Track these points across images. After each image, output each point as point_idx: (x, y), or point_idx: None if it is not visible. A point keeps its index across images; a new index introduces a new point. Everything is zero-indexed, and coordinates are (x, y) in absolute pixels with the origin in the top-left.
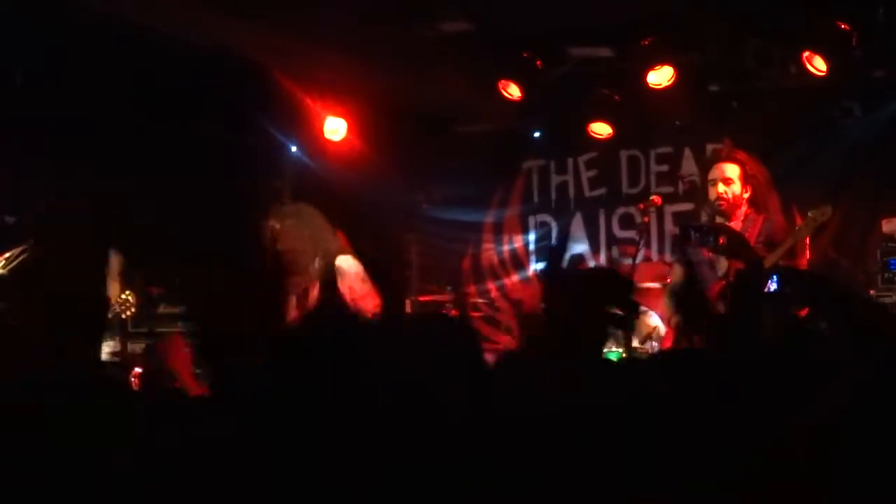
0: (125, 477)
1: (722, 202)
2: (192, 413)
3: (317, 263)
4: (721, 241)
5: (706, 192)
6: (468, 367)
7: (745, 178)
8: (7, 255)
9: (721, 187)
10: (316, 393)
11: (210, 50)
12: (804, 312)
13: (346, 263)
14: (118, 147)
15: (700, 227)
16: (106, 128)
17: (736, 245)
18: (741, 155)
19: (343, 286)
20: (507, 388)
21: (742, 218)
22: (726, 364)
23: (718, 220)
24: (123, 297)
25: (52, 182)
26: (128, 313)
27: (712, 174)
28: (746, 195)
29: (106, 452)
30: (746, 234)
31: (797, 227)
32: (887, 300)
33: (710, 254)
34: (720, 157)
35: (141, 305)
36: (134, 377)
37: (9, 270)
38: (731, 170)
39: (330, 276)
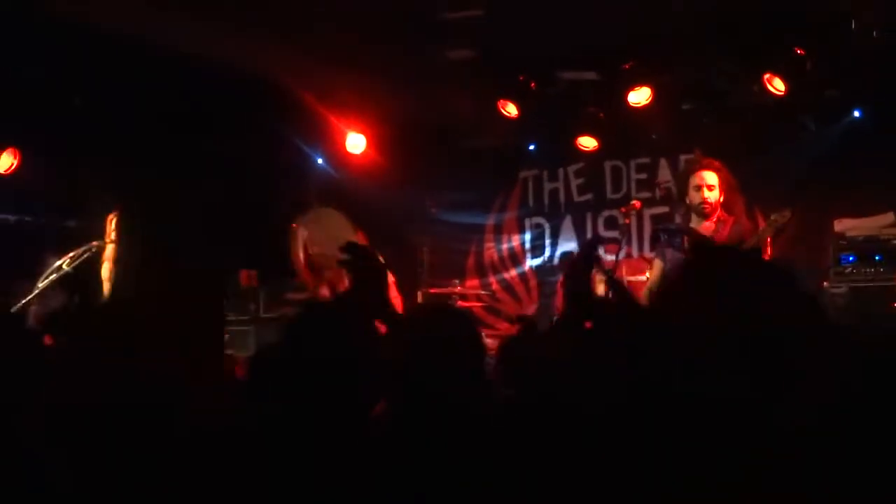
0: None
1: (706, 206)
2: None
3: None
4: (685, 242)
5: (685, 197)
6: (467, 350)
7: (722, 185)
8: (72, 253)
9: (705, 192)
10: (320, 384)
11: (248, 75)
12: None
13: None
14: (168, 161)
15: (668, 230)
16: (159, 144)
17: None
18: (718, 164)
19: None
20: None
21: (715, 220)
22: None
23: (696, 220)
24: None
25: (107, 191)
26: None
27: (695, 181)
28: (721, 200)
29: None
30: (718, 234)
31: (761, 229)
32: (837, 291)
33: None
34: (702, 166)
35: None
36: None
37: (73, 267)
38: (712, 177)
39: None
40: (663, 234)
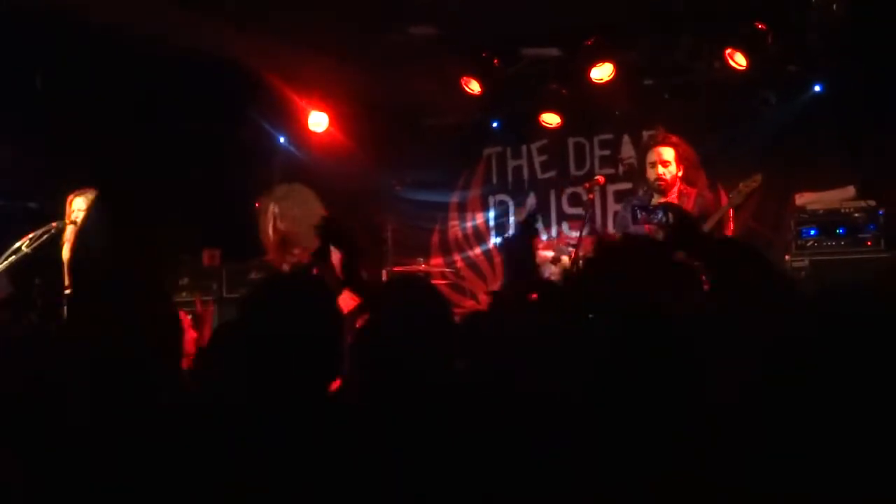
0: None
1: (661, 182)
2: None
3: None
4: (671, 217)
5: (644, 173)
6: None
7: (679, 160)
8: (31, 235)
9: (660, 168)
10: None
11: (210, 56)
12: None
13: None
14: (132, 141)
15: (646, 207)
16: (122, 124)
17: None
18: (675, 139)
19: (335, 258)
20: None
21: (677, 194)
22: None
23: (657, 197)
24: None
25: (70, 173)
26: None
27: (651, 157)
28: (680, 174)
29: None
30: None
31: (729, 197)
32: (799, 264)
33: (649, 228)
34: (657, 142)
35: None
36: None
37: (33, 248)
38: (668, 153)
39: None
40: (640, 211)
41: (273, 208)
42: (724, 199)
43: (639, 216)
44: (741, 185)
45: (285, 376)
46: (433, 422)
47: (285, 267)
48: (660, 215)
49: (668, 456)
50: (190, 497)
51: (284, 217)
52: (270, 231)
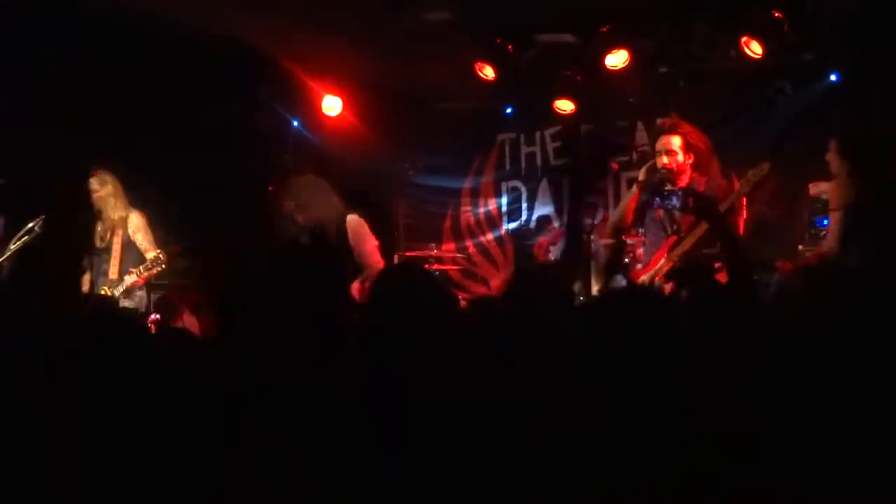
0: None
1: (666, 170)
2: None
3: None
4: (691, 202)
5: (656, 161)
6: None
7: (687, 147)
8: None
9: (665, 158)
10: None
11: (224, 39)
12: None
13: (354, 222)
14: (145, 124)
15: (661, 193)
16: (135, 107)
17: (704, 206)
18: (685, 127)
19: (353, 241)
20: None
21: (687, 182)
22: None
23: (668, 184)
24: (154, 254)
25: (85, 156)
26: (159, 269)
27: (658, 146)
28: (689, 161)
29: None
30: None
31: (740, 183)
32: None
33: (660, 214)
34: (664, 130)
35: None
36: (151, 323)
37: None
38: (674, 141)
39: (342, 234)
40: (655, 198)
41: (289, 202)
42: (737, 187)
43: (655, 203)
44: (749, 173)
45: (286, 351)
46: (433, 406)
47: None
48: (674, 200)
49: (672, 452)
50: (200, 478)
51: (304, 210)
52: (293, 231)
